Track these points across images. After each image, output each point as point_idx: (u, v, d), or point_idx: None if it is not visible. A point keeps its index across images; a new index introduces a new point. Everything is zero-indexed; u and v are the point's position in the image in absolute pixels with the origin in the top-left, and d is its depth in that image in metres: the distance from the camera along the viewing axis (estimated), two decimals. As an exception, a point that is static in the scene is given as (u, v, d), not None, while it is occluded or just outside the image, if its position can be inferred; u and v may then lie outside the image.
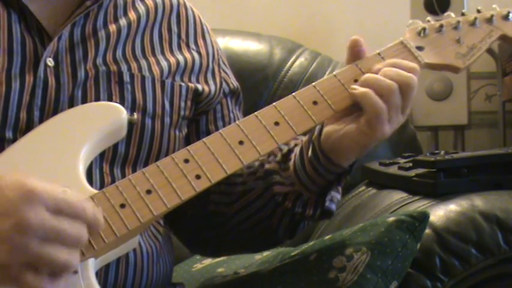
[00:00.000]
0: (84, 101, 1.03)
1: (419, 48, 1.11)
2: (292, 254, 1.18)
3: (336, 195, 1.10)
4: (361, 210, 1.43)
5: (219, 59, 1.20)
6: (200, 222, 1.17)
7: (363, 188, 1.56)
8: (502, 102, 2.46)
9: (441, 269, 1.16)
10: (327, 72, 1.73)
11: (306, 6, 2.70)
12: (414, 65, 1.04)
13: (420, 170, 1.37)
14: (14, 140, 0.98)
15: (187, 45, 1.17)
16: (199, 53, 1.17)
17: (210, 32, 1.22)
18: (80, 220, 0.83)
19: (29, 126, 0.99)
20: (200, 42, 1.19)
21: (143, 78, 1.08)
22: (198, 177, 0.95)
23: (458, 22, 1.14)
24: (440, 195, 1.28)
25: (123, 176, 1.04)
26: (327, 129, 1.04)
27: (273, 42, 1.81)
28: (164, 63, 1.12)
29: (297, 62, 1.76)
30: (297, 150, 1.10)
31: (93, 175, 1.02)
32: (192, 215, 1.16)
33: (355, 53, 1.06)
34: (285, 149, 1.12)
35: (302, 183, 1.08)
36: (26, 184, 0.81)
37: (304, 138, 1.09)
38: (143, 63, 1.10)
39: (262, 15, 2.66)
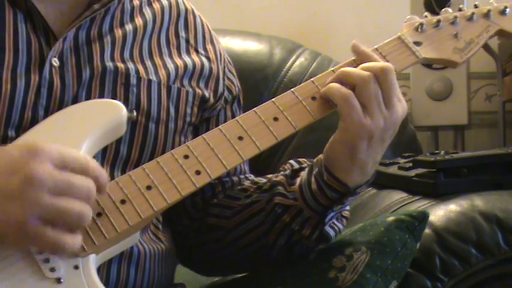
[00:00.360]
0: None
1: (417, 43, 1.11)
2: (292, 254, 1.18)
3: (338, 224, 1.10)
4: (361, 210, 1.43)
5: (225, 67, 1.20)
6: (196, 237, 1.16)
7: (363, 188, 1.56)
8: (502, 102, 2.46)
9: (441, 269, 1.16)
10: (327, 72, 1.73)
11: (306, 6, 2.70)
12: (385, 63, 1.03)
13: (420, 170, 1.37)
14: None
15: (196, 50, 1.16)
16: (208, 58, 1.16)
17: (218, 39, 1.21)
18: (86, 174, 0.85)
19: (33, 126, 0.98)
20: (209, 47, 1.18)
21: (149, 82, 1.07)
22: (198, 172, 0.96)
23: (456, 17, 1.14)
24: (440, 195, 1.28)
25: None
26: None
27: (273, 42, 1.81)
28: (171, 66, 1.11)
29: (297, 62, 1.76)
30: (307, 169, 1.09)
31: None
32: (189, 227, 1.16)
33: (359, 54, 1.06)
34: (297, 166, 1.11)
35: (304, 199, 1.06)
36: (30, 142, 0.84)
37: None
38: (150, 65, 1.09)
39: (262, 15, 2.66)
